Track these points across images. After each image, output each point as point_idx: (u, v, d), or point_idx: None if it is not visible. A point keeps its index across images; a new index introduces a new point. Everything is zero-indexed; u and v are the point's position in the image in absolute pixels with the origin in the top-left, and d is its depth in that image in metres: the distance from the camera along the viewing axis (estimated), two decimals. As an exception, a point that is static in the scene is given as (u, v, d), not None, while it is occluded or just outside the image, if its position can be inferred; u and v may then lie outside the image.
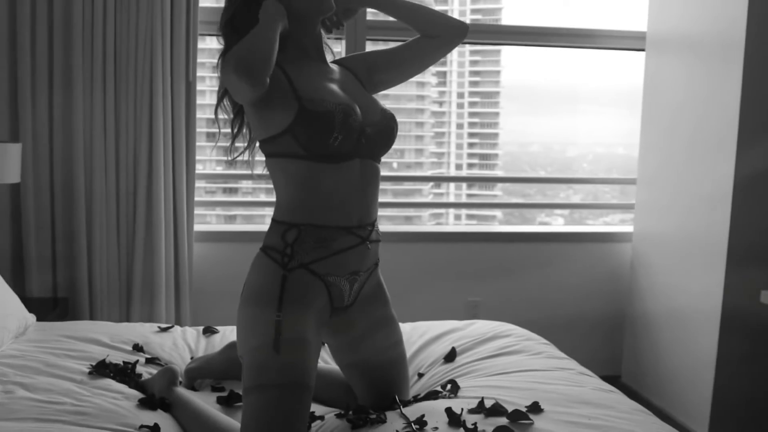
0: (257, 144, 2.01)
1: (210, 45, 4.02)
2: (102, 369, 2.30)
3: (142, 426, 1.91)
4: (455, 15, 4.64)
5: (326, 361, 2.50)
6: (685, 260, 3.63)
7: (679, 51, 3.73)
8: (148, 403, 2.09)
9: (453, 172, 4.70)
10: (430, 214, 4.77)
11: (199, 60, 3.64)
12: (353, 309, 2.03)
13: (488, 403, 1.90)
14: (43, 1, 3.41)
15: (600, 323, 4.29)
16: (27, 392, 2.06)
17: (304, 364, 1.85)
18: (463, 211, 4.79)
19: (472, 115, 4.74)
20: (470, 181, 4.71)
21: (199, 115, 3.72)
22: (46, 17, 3.43)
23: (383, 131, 1.96)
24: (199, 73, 3.65)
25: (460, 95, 4.73)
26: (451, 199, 4.77)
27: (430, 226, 4.62)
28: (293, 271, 1.88)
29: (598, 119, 4.52)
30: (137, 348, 2.56)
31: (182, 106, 3.58)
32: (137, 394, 2.16)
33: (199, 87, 3.73)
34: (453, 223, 4.76)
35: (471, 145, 4.79)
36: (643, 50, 4.05)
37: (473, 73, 4.78)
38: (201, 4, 3.63)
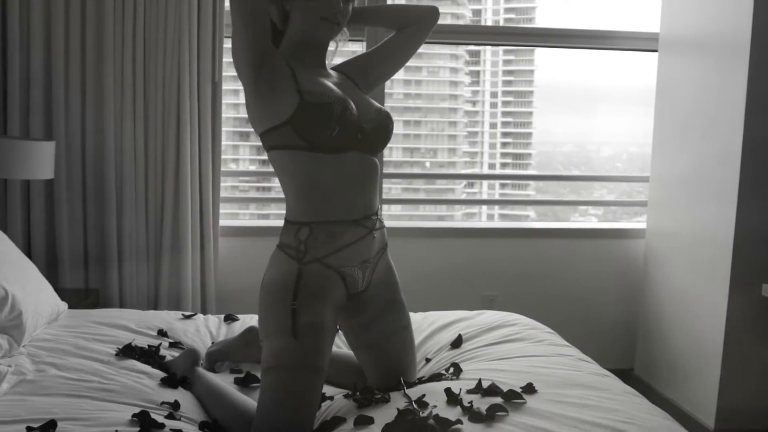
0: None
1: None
2: (128, 351, 2.45)
3: (163, 402, 2.06)
4: (488, 14, 4.74)
5: (339, 346, 2.63)
6: (694, 255, 3.72)
7: (690, 52, 3.82)
8: (170, 381, 2.24)
9: (486, 172, 4.76)
10: (463, 214, 4.81)
11: (225, 59, 3.78)
12: (367, 293, 2.17)
13: (485, 384, 2.02)
14: (77, 6, 3.56)
15: (614, 317, 4.38)
16: (58, 371, 2.21)
17: (319, 348, 1.99)
18: (497, 211, 4.82)
19: (505, 114, 4.77)
20: (491, 178, 4.75)
21: (225, 114, 3.86)
22: (79, 21, 3.58)
23: (379, 127, 2.10)
24: (224, 73, 3.80)
25: (494, 95, 4.75)
26: (484, 198, 4.83)
27: (447, 222, 4.67)
28: (308, 265, 2.01)
29: (631, 119, 4.50)
30: (162, 333, 2.71)
31: (208, 105, 3.72)
32: (160, 374, 2.30)
33: (225, 86, 3.88)
34: (484, 221, 4.81)
35: (504, 144, 4.81)
36: (656, 51, 4.14)
37: (506, 73, 4.80)
38: (226, 8, 3.78)
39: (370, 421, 1.86)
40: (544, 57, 4.72)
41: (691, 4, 3.79)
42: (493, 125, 4.75)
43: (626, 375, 4.05)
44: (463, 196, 4.85)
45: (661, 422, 1.88)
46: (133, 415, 1.89)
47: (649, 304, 4.16)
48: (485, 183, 4.76)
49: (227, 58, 3.78)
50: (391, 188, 4.66)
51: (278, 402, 1.95)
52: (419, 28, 2.33)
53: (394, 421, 1.79)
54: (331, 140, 1.99)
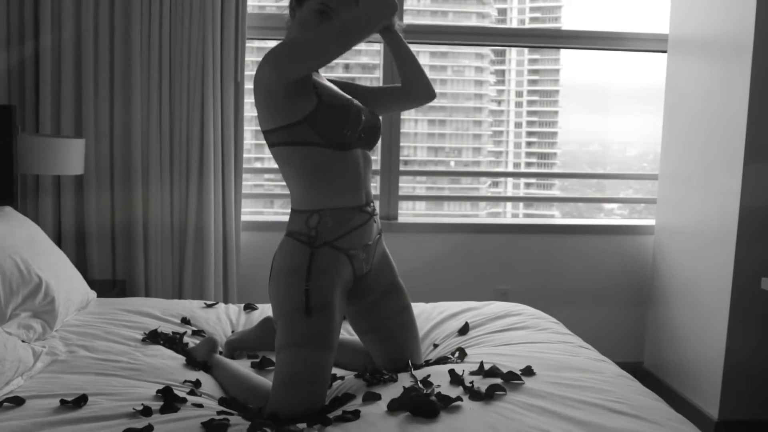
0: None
1: (258, 45, 4.30)
2: (154, 337, 2.60)
3: (186, 381, 2.20)
4: (514, 12, 4.81)
5: (349, 332, 2.77)
6: (700, 250, 3.83)
7: (698, 53, 3.92)
8: (192, 364, 2.39)
9: (507, 170, 4.83)
10: (487, 213, 4.86)
11: (247, 58, 3.92)
12: (369, 276, 2.35)
13: (487, 366, 2.15)
14: (105, 10, 3.72)
15: (624, 312, 4.49)
16: (88, 352, 2.37)
17: (330, 327, 2.15)
18: (522, 210, 4.88)
19: (530, 114, 4.80)
20: (508, 176, 4.83)
21: (247, 113, 4.01)
22: (108, 24, 3.74)
23: (373, 127, 2.30)
24: (247, 72, 3.94)
25: (519, 94, 4.79)
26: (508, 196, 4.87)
27: (463, 218, 4.74)
28: (319, 248, 2.18)
29: (656, 118, 4.49)
30: (185, 321, 2.86)
31: (231, 104, 3.87)
32: (183, 358, 2.45)
33: (248, 85, 4.02)
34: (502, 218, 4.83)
35: (529, 144, 4.85)
36: (665, 52, 4.25)
37: (532, 72, 4.84)
38: (248, 11, 3.93)
39: (377, 397, 2.00)
40: (569, 57, 4.77)
41: (699, 6, 3.89)
42: (518, 125, 4.79)
43: (636, 369, 4.16)
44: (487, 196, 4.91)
45: (649, 402, 2.01)
46: (158, 391, 2.04)
47: (658, 299, 4.26)
48: (510, 182, 4.83)
49: (249, 58, 3.92)
50: (415, 187, 4.72)
51: (292, 377, 2.10)
52: (412, 97, 2.48)
53: (400, 397, 1.93)
54: (345, 138, 2.17)
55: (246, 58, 3.91)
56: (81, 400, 1.93)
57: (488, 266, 4.35)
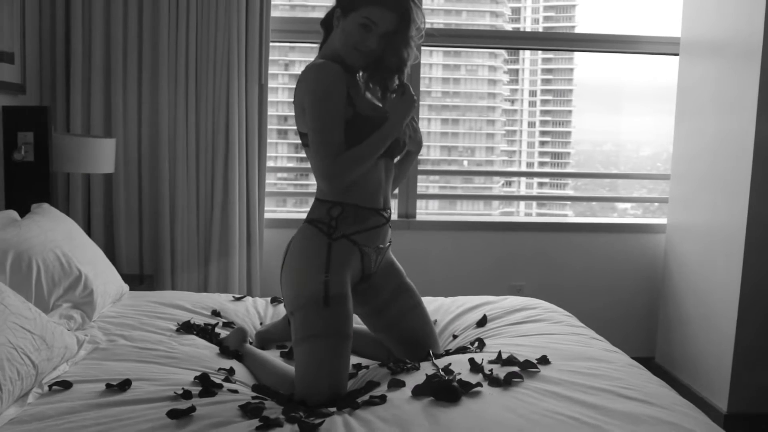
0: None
1: (281, 44, 4.42)
2: (187, 328, 2.73)
3: (220, 368, 2.33)
4: (528, 11, 4.83)
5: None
6: (710, 249, 3.94)
7: (708, 56, 4.03)
8: (225, 353, 2.52)
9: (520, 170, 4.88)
10: (500, 213, 4.94)
11: (271, 57, 4.04)
12: (376, 277, 2.50)
13: (505, 356, 2.28)
14: (134, 13, 3.86)
15: (636, 308, 4.60)
16: (126, 341, 2.50)
17: (346, 316, 2.30)
18: (535, 209, 4.96)
19: (543, 113, 4.85)
20: (517, 176, 4.95)
21: (270, 113, 4.13)
22: (136, 27, 3.88)
23: (397, 141, 2.42)
24: (270, 71, 4.06)
25: (532, 93, 4.84)
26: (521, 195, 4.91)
27: (479, 216, 4.84)
28: (337, 240, 2.34)
29: (669, 119, 4.55)
30: (215, 313, 2.98)
31: (255, 105, 4.00)
32: (216, 348, 2.58)
33: (271, 84, 4.12)
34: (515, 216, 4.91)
35: (543, 143, 4.90)
36: (677, 55, 4.35)
37: (545, 71, 4.89)
38: (272, 15, 4.06)
39: (402, 384, 2.13)
40: (584, 56, 4.82)
41: (710, 10, 4.00)
42: (531, 124, 4.84)
43: (648, 363, 4.24)
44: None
45: (658, 389, 2.13)
46: (195, 377, 2.17)
47: (669, 295, 4.37)
48: (523, 183, 4.89)
49: (273, 57, 4.03)
50: (428, 186, 4.79)
51: (314, 368, 2.24)
52: None
53: (423, 383, 2.06)
54: None
55: (269, 59, 4.03)
56: (125, 384, 2.06)
57: (504, 263, 4.47)
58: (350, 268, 2.37)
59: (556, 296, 4.02)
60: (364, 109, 2.34)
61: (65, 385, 2.06)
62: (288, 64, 4.76)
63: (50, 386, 2.06)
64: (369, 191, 2.38)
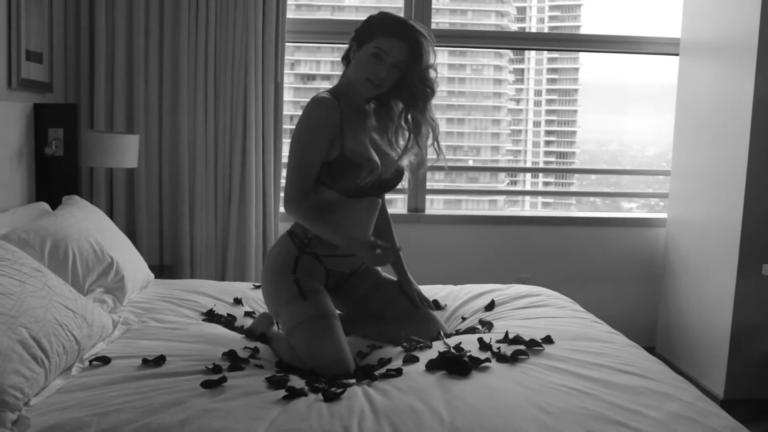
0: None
1: (296, 45, 4.54)
2: (212, 317, 2.87)
3: (245, 347, 2.49)
4: (533, 11, 4.90)
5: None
6: (708, 242, 4.10)
7: (707, 56, 4.18)
8: (250, 336, 2.68)
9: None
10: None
11: (287, 58, 4.19)
12: (352, 280, 2.75)
13: (511, 335, 2.44)
14: (155, 13, 4.01)
15: (637, 299, 4.75)
16: (157, 323, 2.67)
17: (325, 300, 2.56)
18: (539, 210, 5.06)
19: (549, 113, 4.93)
20: (529, 171, 5.08)
21: (285, 111, 4.29)
22: (158, 27, 4.04)
23: (392, 180, 2.65)
24: (286, 71, 4.22)
25: (538, 93, 4.92)
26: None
27: (487, 210, 4.98)
28: (306, 254, 2.60)
29: (672, 118, 4.60)
30: (237, 301, 3.13)
31: (271, 103, 4.16)
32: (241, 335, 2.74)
33: (287, 82, 4.28)
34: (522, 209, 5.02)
35: (548, 143, 4.97)
36: (677, 55, 4.50)
37: (551, 71, 4.96)
38: (288, 16, 4.22)
39: (416, 359, 2.30)
40: (588, 57, 4.90)
41: (709, 11, 4.15)
42: (536, 123, 4.92)
43: (648, 352, 4.40)
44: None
45: (653, 366, 2.31)
46: (223, 354, 2.33)
47: (669, 287, 4.53)
48: (528, 182, 5.00)
49: (288, 57, 4.18)
50: (433, 185, 4.87)
51: (314, 345, 2.44)
52: None
53: (436, 358, 2.22)
54: (353, 191, 2.55)
55: (286, 57, 4.19)
56: (160, 360, 2.22)
57: (510, 255, 4.63)
58: (316, 279, 2.61)
59: (560, 287, 4.13)
60: (350, 150, 2.51)
61: (104, 360, 2.23)
62: (294, 63, 4.87)
63: (90, 361, 2.22)
64: (345, 225, 2.57)
